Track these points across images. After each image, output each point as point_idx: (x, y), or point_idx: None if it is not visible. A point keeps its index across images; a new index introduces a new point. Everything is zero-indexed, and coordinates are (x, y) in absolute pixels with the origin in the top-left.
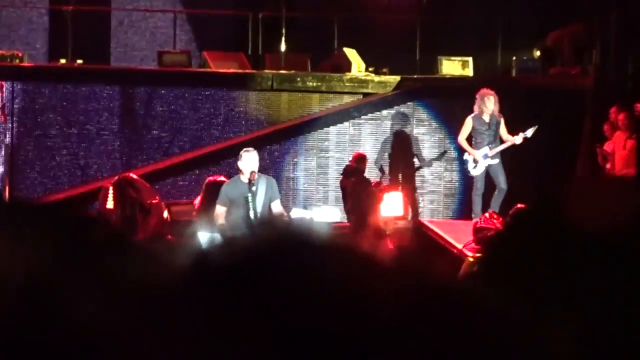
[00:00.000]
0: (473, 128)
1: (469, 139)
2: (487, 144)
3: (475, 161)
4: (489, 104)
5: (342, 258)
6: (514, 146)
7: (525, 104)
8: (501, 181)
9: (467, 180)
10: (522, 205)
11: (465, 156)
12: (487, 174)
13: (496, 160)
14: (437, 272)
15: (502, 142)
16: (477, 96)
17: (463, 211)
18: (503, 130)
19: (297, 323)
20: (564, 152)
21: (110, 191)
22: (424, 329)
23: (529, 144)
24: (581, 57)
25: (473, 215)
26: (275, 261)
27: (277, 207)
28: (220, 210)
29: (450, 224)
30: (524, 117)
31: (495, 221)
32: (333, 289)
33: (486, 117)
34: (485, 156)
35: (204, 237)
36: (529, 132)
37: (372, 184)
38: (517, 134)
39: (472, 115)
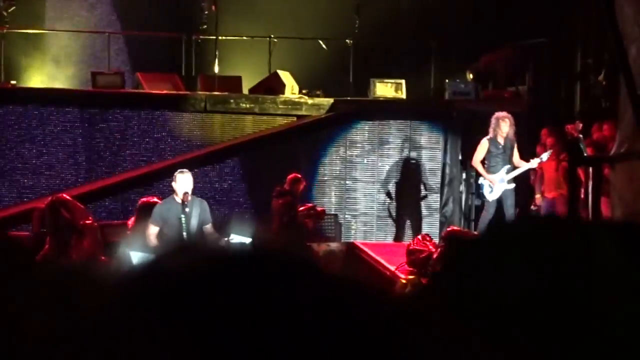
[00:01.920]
0: (488, 151)
1: (482, 162)
2: (501, 168)
3: (491, 185)
4: (504, 127)
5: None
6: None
7: (458, 126)
8: (510, 206)
9: (399, 202)
10: (455, 228)
11: (481, 180)
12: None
13: (512, 185)
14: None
15: (514, 166)
16: (492, 119)
17: (396, 233)
18: (515, 155)
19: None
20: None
21: (44, 212)
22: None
23: (459, 169)
24: (514, 80)
25: None
26: (203, 281)
27: (209, 230)
28: (152, 230)
29: (383, 246)
30: (455, 139)
31: (428, 243)
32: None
33: (501, 140)
34: (502, 180)
35: (136, 256)
36: (545, 156)
37: (304, 207)
38: (529, 159)
39: (488, 137)
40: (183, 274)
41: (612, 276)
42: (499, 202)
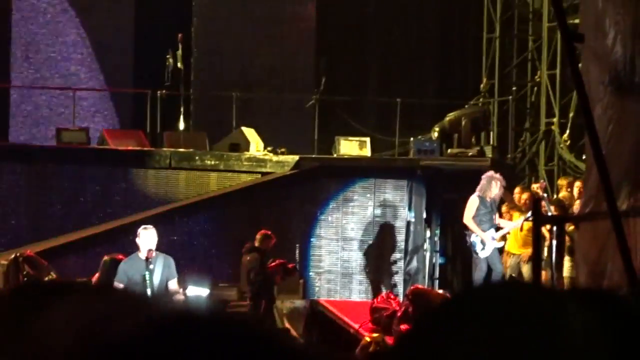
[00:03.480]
0: (477, 209)
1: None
2: (489, 226)
3: (483, 242)
4: (494, 189)
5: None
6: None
7: (423, 184)
8: (498, 265)
9: (363, 259)
10: (419, 286)
11: (473, 238)
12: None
13: (501, 244)
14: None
15: (497, 225)
16: (483, 177)
17: (360, 291)
18: (497, 214)
19: None
20: (461, 232)
21: (8, 268)
22: None
23: (424, 227)
24: (479, 138)
25: None
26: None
27: (173, 286)
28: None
29: (347, 304)
30: (420, 197)
31: (392, 301)
32: None
33: (488, 199)
34: (493, 238)
35: None
36: (530, 215)
37: (275, 263)
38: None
39: (477, 195)
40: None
41: (579, 347)
42: (487, 259)
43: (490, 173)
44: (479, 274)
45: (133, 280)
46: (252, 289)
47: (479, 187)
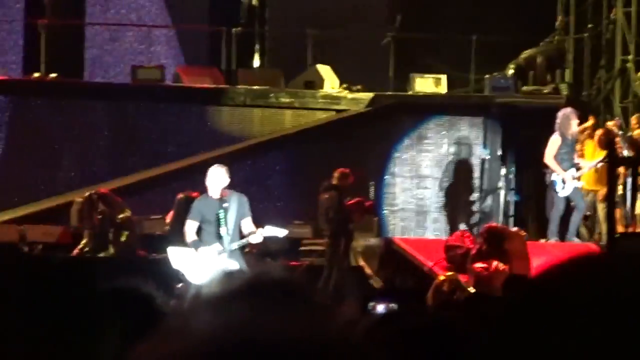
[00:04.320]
0: (559, 147)
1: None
2: (569, 165)
3: (564, 181)
4: (573, 125)
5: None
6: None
7: (498, 121)
8: (580, 202)
9: (438, 197)
10: (493, 224)
11: (554, 176)
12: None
13: (581, 183)
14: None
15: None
16: (559, 115)
17: (434, 229)
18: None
19: None
20: (537, 170)
21: (82, 205)
22: None
23: (499, 165)
24: (554, 76)
25: (549, 234)
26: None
27: (247, 224)
28: (190, 225)
29: (421, 242)
30: (495, 135)
31: (466, 240)
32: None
33: (569, 137)
34: (573, 177)
35: (174, 252)
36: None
37: (353, 201)
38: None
39: (558, 133)
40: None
41: None
42: (567, 198)
43: (565, 109)
44: (555, 213)
45: (206, 219)
46: (330, 227)
47: (557, 126)
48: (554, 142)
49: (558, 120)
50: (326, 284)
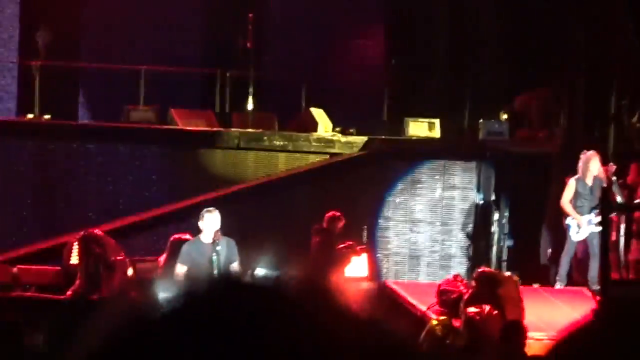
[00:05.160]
0: (576, 191)
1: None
2: (588, 209)
3: (579, 226)
4: (593, 167)
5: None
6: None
7: (491, 166)
8: (596, 247)
9: (430, 242)
10: (486, 269)
11: (569, 220)
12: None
13: (599, 228)
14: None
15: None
16: (581, 157)
17: (427, 273)
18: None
19: None
20: (530, 215)
21: (75, 246)
22: None
23: (492, 210)
24: (548, 121)
25: (558, 279)
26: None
27: (235, 268)
28: (181, 269)
29: (414, 286)
30: (488, 179)
31: (459, 284)
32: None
33: (589, 180)
34: (590, 222)
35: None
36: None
37: (341, 245)
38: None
39: (576, 177)
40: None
41: None
42: (584, 243)
43: (587, 153)
44: (566, 258)
45: (196, 262)
46: (320, 271)
47: (578, 168)
48: (570, 186)
49: (580, 164)
50: None
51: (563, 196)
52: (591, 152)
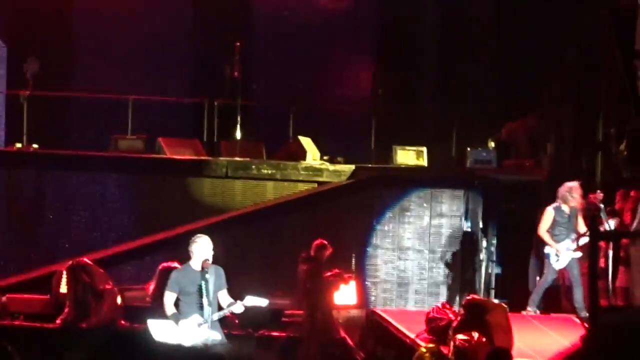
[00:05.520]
0: (553, 220)
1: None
2: (566, 237)
3: (557, 255)
4: (576, 196)
5: None
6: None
7: (479, 194)
8: (576, 275)
9: (419, 270)
10: (475, 296)
11: (547, 249)
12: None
13: (579, 254)
14: None
15: (579, 234)
16: (563, 187)
17: (416, 300)
18: (580, 223)
19: None
20: (518, 243)
21: (64, 275)
22: None
23: (480, 237)
24: (536, 150)
25: (530, 303)
26: None
27: (224, 296)
28: (169, 297)
29: (403, 313)
30: (476, 207)
31: (447, 311)
32: None
33: (566, 209)
34: (568, 249)
35: (154, 324)
36: (612, 223)
37: (329, 273)
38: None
39: (554, 206)
40: None
41: None
42: (563, 271)
43: (569, 183)
44: (542, 284)
45: (185, 290)
46: (308, 299)
47: (559, 197)
48: (548, 215)
49: (560, 192)
50: (305, 356)
51: (540, 225)
52: (573, 183)
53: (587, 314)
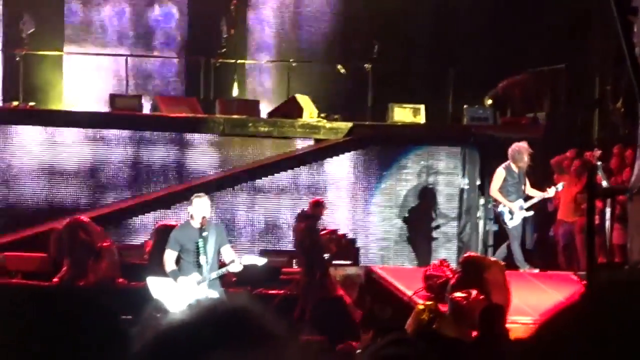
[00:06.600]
0: (504, 180)
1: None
2: (517, 196)
3: (511, 212)
4: (525, 158)
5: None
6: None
7: (476, 151)
8: (529, 232)
9: (417, 227)
10: (472, 254)
11: (500, 208)
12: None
13: (531, 213)
14: None
15: (527, 195)
16: (513, 148)
17: (413, 258)
18: (527, 184)
19: None
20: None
21: (62, 234)
22: None
23: (477, 194)
24: (532, 107)
25: (520, 265)
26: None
27: (227, 252)
28: (169, 255)
29: (401, 271)
30: (473, 165)
31: (445, 269)
32: None
33: (516, 169)
34: (521, 207)
35: (153, 282)
36: (560, 186)
37: (325, 231)
38: (545, 187)
39: (504, 166)
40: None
41: None
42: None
43: (518, 144)
44: (514, 244)
45: (185, 248)
46: (305, 257)
47: (509, 157)
48: (499, 175)
49: (510, 152)
50: (302, 314)
51: (492, 185)
52: (523, 145)
53: (528, 266)
